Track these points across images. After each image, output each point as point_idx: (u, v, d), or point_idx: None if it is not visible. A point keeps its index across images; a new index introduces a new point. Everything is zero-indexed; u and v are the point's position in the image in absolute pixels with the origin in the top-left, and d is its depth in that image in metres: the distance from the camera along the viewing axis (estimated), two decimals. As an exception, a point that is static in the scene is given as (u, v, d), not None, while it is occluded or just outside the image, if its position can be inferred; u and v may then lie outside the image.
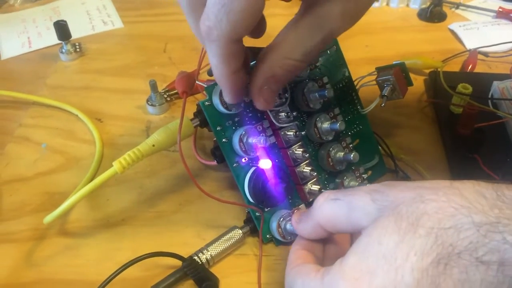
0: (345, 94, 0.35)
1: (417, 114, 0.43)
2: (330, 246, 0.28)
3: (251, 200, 0.31)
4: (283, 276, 0.26)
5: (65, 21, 0.50)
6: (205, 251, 0.30)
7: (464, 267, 0.18)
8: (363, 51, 0.52)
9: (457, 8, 0.60)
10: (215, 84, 0.29)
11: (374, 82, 0.35)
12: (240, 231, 0.31)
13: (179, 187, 0.36)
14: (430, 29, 0.56)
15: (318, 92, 0.31)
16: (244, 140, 0.30)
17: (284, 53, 0.25)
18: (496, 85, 0.42)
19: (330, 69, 0.34)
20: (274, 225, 0.31)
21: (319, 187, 0.32)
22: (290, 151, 0.32)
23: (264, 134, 0.31)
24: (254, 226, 0.31)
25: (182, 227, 0.33)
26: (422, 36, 0.55)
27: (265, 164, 0.30)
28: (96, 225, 0.34)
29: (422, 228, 0.20)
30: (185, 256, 0.29)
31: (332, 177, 0.34)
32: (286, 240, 0.31)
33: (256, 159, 0.31)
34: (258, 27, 0.25)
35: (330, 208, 0.24)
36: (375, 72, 0.36)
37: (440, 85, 0.42)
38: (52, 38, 0.54)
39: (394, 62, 0.37)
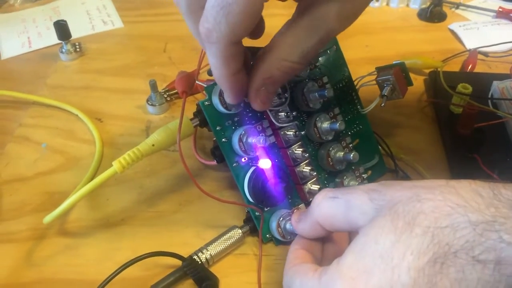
0: (345, 94, 0.35)
1: (417, 114, 0.43)
2: (329, 246, 0.28)
3: (250, 199, 0.31)
4: (282, 276, 0.26)
5: (65, 21, 0.50)
6: (204, 251, 0.30)
7: (460, 266, 0.19)
8: (363, 51, 0.52)
9: (457, 8, 0.60)
10: (215, 84, 0.29)
11: (374, 82, 0.35)
12: (240, 231, 0.31)
13: (179, 187, 0.36)
14: (430, 29, 0.56)
15: (318, 92, 0.31)
16: (244, 140, 0.30)
17: (281, 55, 0.25)
18: (496, 85, 0.42)
19: (330, 69, 0.34)
20: (273, 224, 0.31)
21: (318, 186, 0.32)
22: (290, 151, 0.32)
23: (263, 134, 0.31)
24: (254, 226, 0.31)
25: (182, 227, 0.33)
26: (422, 36, 0.55)
27: (265, 163, 0.30)
28: (96, 225, 0.34)
29: (418, 227, 0.20)
30: (185, 256, 0.29)
31: (332, 176, 0.34)
32: (286, 239, 0.31)
33: (256, 159, 0.31)
34: (256, 28, 0.25)
35: (328, 206, 0.24)
36: (375, 72, 0.36)
37: (440, 85, 0.42)
38: (52, 38, 0.54)
39: (394, 62, 0.37)
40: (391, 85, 0.33)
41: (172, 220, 0.34)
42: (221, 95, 0.29)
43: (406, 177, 0.36)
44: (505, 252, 0.18)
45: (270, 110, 0.31)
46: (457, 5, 0.60)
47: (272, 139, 0.32)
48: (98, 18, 0.60)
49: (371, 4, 0.59)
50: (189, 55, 0.51)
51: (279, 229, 0.31)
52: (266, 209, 0.31)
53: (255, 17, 0.22)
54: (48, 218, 0.30)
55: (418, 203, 0.20)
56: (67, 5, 0.63)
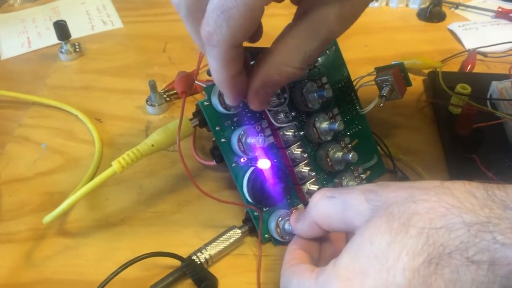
0: (344, 94, 0.35)
1: (416, 114, 0.43)
2: (326, 246, 0.28)
3: (249, 200, 0.31)
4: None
5: (65, 21, 0.50)
6: (203, 251, 0.30)
7: (455, 267, 0.19)
8: (362, 51, 0.52)
9: (456, 8, 0.60)
10: (214, 84, 0.29)
11: (373, 82, 0.35)
12: (239, 231, 0.31)
13: (178, 187, 0.36)
14: (429, 29, 0.56)
15: (317, 92, 0.31)
16: (243, 140, 0.30)
17: (282, 60, 0.25)
18: (495, 85, 0.42)
19: (329, 69, 0.34)
20: (272, 225, 0.31)
21: (317, 187, 0.32)
22: (289, 151, 0.32)
23: (262, 134, 0.31)
24: (253, 226, 0.31)
25: (181, 227, 0.33)
26: (421, 36, 0.55)
27: (264, 164, 0.30)
28: (96, 225, 0.34)
29: (413, 228, 0.20)
30: (184, 256, 0.29)
31: (331, 177, 0.34)
32: (285, 240, 0.31)
33: (255, 159, 0.31)
34: (255, 32, 0.25)
35: (326, 205, 0.25)
36: (374, 72, 0.36)
37: (439, 85, 0.42)
38: (51, 38, 0.54)
39: (393, 62, 0.37)
40: (390, 86, 0.34)
41: (171, 220, 0.34)
42: (220, 95, 0.29)
43: (404, 178, 0.36)
44: (499, 253, 0.18)
45: (269, 111, 0.31)
46: (457, 5, 0.60)
47: (271, 139, 0.32)
48: (97, 18, 0.60)
49: (370, 4, 0.59)
50: (189, 55, 0.51)
51: (278, 229, 0.31)
52: (265, 209, 0.31)
53: (255, 21, 0.22)
54: (48, 218, 0.30)
55: (413, 204, 0.21)
56: (66, 5, 0.63)
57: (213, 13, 0.21)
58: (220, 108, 0.29)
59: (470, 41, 0.52)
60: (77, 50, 0.52)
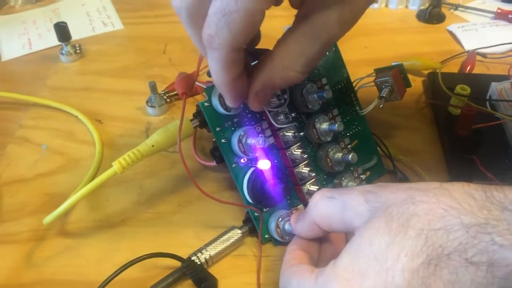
0: (344, 95, 0.35)
1: (415, 115, 0.43)
2: (326, 247, 0.28)
3: (250, 200, 0.31)
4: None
5: (65, 23, 0.50)
6: (204, 251, 0.30)
7: (454, 268, 0.19)
8: (362, 52, 0.52)
9: (455, 9, 0.60)
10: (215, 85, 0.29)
11: (373, 84, 0.35)
12: (239, 231, 0.31)
13: (179, 187, 0.36)
14: (429, 30, 0.56)
15: (317, 93, 0.31)
16: (243, 141, 0.30)
17: (284, 64, 0.25)
18: (494, 86, 0.42)
19: (329, 70, 0.34)
20: (272, 225, 0.31)
21: (317, 187, 0.32)
22: (289, 152, 0.32)
23: (263, 135, 0.31)
24: (253, 226, 0.31)
25: (181, 227, 0.33)
26: (420, 37, 0.55)
27: (264, 164, 0.31)
28: (96, 226, 0.34)
29: (412, 229, 0.20)
30: (185, 257, 0.29)
31: (331, 177, 0.34)
32: (285, 240, 0.31)
33: (255, 160, 0.31)
34: (253, 37, 0.25)
35: (325, 206, 0.25)
36: (374, 74, 0.36)
37: (438, 86, 0.42)
38: (52, 40, 0.54)
39: (392, 64, 0.37)
40: (389, 87, 0.34)
41: (171, 221, 0.34)
42: (221, 96, 0.29)
43: (404, 178, 0.36)
44: (497, 255, 0.18)
45: (270, 112, 0.31)
46: (456, 7, 0.60)
47: (271, 140, 0.32)
48: (98, 19, 0.60)
49: (369, 6, 0.59)
50: (189, 56, 0.52)
51: (278, 230, 0.31)
52: (265, 210, 0.31)
53: (256, 25, 0.22)
54: (48, 218, 0.30)
55: (412, 205, 0.21)
56: (67, 7, 0.63)
57: (215, 16, 0.21)
58: (221, 109, 0.29)
59: (469, 42, 0.52)
60: (78, 51, 0.52)
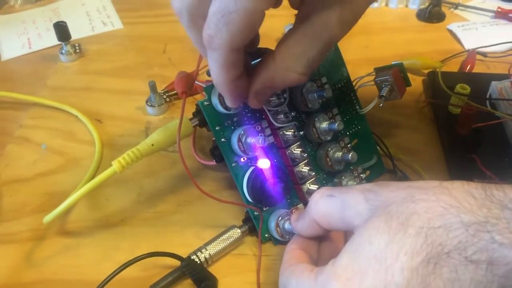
0: (343, 94, 0.35)
1: (415, 114, 0.43)
2: (325, 246, 0.28)
3: (249, 199, 0.31)
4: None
5: (65, 22, 0.50)
6: (203, 250, 0.30)
7: (453, 266, 0.19)
8: (362, 51, 0.52)
9: (455, 8, 0.60)
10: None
11: (373, 83, 0.35)
12: (239, 230, 0.31)
13: (178, 187, 0.36)
14: (429, 30, 0.56)
15: (316, 92, 0.31)
16: (243, 140, 0.30)
17: (286, 65, 0.25)
18: (494, 85, 0.42)
19: (329, 69, 0.34)
20: (272, 224, 0.31)
21: (317, 186, 0.32)
22: (289, 151, 0.32)
23: (262, 134, 0.31)
24: (253, 225, 0.31)
25: (181, 227, 0.33)
26: (420, 36, 0.55)
27: (264, 163, 0.31)
28: (96, 225, 0.34)
29: (412, 228, 0.20)
30: (184, 256, 0.29)
31: (331, 176, 0.34)
32: (285, 239, 0.31)
33: (255, 159, 0.31)
34: (252, 40, 0.25)
35: (325, 204, 0.25)
36: (374, 73, 0.36)
37: (438, 85, 0.42)
38: (52, 39, 0.54)
39: (392, 63, 0.37)
40: (389, 86, 0.34)
41: (171, 220, 0.34)
42: (220, 95, 0.29)
43: (404, 177, 0.36)
44: (497, 253, 0.18)
45: (269, 111, 0.31)
46: (456, 6, 0.60)
47: (271, 139, 0.32)
48: (98, 19, 0.60)
49: (370, 5, 0.59)
50: (189, 56, 0.52)
51: (278, 229, 0.31)
52: (265, 209, 0.31)
53: (255, 26, 0.22)
54: (48, 217, 0.30)
55: (412, 203, 0.21)
56: (67, 6, 0.63)
57: (214, 16, 0.21)
58: (220, 108, 0.29)
59: (469, 41, 0.52)
60: (77, 51, 0.52)
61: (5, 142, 0.41)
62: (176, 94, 0.45)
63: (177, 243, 0.32)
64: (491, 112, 0.39)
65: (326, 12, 0.24)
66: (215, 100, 0.29)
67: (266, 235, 0.32)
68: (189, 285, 0.29)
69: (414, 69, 0.47)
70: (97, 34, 0.57)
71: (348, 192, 0.24)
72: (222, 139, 0.30)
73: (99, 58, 0.52)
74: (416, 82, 0.47)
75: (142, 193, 0.36)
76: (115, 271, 0.27)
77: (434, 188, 0.21)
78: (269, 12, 0.22)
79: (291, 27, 0.25)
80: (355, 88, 0.36)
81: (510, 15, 0.56)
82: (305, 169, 0.32)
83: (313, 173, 0.32)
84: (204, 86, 0.30)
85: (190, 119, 0.32)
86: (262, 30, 0.25)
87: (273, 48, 0.26)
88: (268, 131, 0.32)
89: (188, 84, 0.42)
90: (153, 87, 0.42)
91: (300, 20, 0.25)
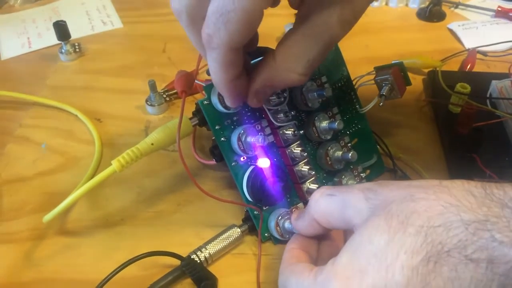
0: (343, 93, 0.35)
1: (415, 114, 0.43)
2: (325, 245, 0.28)
3: (249, 199, 0.31)
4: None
5: (65, 22, 0.50)
6: (203, 249, 0.30)
7: (453, 265, 0.19)
8: (362, 50, 0.52)
9: (456, 7, 0.60)
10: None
11: (373, 82, 0.35)
12: (239, 230, 0.31)
13: (178, 186, 0.36)
14: (429, 29, 0.56)
15: (316, 91, 0.31)
16: (243, 139, 0.30)
17: (286, 66, 0.25)
18: (495, 84, 0.42)
19: (329, 68, 0.34)
20: (272, 223, 0.31)
21: (317, 186, 0.32)
22: (289, 150, 0.32)
23: (262, 133, 0.31)
24: (253, 225, 0.31)
25: (181, 226, 0.33)
26: (421, 35, 0.55)
27: (264, 163, 0.30)
28: (95, 225, 0.34)
29: (411, 227, 0.20)
30: (184, 256, 0.29)
31: (331, 176, 0.34)
32: (284, 238, 0.31)
33: (255, 158, 0.31)
34: (251, 39, 0.25)
35: (325, 203, 0.25)
36: (374, 72, 0.36)
37: (438, 84, 0.42)
38: (51, 39, 0.54)
39: (392, 62, 0.37)
40: (389, 85, 0.34)
41: (171, 220, 0.34)
42: (220, 94, 0.29)
43: (404, 177, 0.36)
44: (497, 251, 0.18)
45: (269, 110, 0.31)
46: (456, 5, 0.60)
47: (271, 138, 0.32)
48: (97, 18, 0.60)
49: (370, 4, 0.59)
50: (189, 55, 0.51)
51: (278, 228, 0.31)
52: (264, 208, 0.31)
53: (254, 25, 0.22)
54: (48, 216, 0.30)
55: (412, 202, 0.21)
56: (66, 6, 0.63)
57: (213, 16, 0.21)
58: (220, 107, 0.29)
59: (469, 41, 0.52)
60: (77, 50, 0.52)
61: (5, 142, 0.41)
62: (175, 93, 0.45)
63: (177, 243, 0.32)
64: (491, 111, 0.39)
65: (326, 12, 0.23)
66: (214, 99, 0.29)
67: (266, 234, 0.32)
68: (189, 285, 0.29)
69: (414, 68, 0.47)
70: (97, 34, 0.57)
71: (348, 191, 0.24)
72: (222, 138, 0.30)
73: (99, 58, 0.52)
74: (416, 81, 0.47)
75: (142, 193, 0.36)
76: (115, 270, 0.27)
77: (434, 187, 0.21)
78: (269, 11, 0.22)
79: (291, 26, 0.25)
80: (355, 87, 0.36)
81: (511, 14, 0.56)
82: (305, 168, 0.32)
83: (313, 172, 0.32)
84: (204, 85, 0.30)
85: (190, 118, 0.32)
86: (261, 29, 0.25)
87: (273, 47, 0.26)
88: (268, 130, 0.32)
89: (188, 83, 0.41)
90: (152, 86, 0.42)
91: (300, 20, 0.25)
